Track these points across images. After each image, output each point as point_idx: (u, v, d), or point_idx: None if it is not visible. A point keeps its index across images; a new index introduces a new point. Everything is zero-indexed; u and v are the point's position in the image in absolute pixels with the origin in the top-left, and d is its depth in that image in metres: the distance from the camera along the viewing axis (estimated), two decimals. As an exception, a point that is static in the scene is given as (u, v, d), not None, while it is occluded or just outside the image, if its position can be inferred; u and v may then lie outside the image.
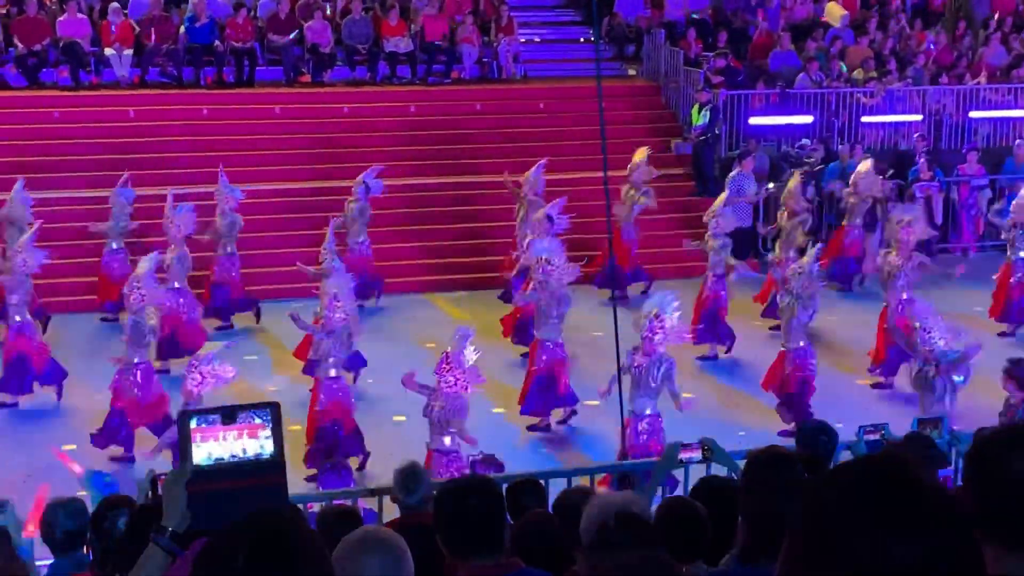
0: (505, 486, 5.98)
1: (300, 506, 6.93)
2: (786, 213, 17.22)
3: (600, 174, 11.17)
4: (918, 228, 14.84)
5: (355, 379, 13.85)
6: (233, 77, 21.11)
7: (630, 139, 20.76)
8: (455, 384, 10.68)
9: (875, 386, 14.58)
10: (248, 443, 2.99)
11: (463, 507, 4.19)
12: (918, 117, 22.13)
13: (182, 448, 2.96)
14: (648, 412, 11.36)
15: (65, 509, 6.03)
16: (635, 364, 11.38)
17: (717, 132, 20.86)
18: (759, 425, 12.97)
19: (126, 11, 21.19)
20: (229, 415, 2.99)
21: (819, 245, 14.83)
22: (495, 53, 22.44)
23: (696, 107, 20.93)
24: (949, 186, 21.00)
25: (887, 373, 14.46)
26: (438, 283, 18.26)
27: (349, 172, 18.58)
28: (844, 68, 22.51)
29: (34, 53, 20.35)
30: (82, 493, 7.95)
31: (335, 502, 7.54)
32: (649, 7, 24.12)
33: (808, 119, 21.42)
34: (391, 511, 7.08)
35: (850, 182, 18.73)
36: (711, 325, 15.40)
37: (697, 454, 6.49)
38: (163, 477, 3.08)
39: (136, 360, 12.46)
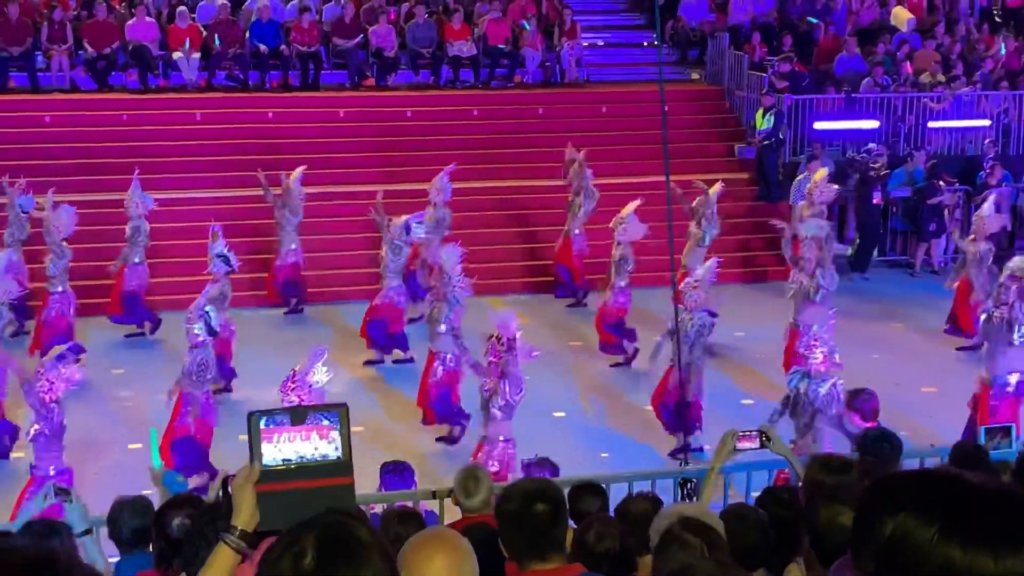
0: (567, 489, 5.97)
1: (363, 507, 6.97)
2: (699, 221, 16.48)
3: (662, 178, 11.14)
4: (829, 246, 13.94)
5: (223, 390, 13.57)
6: (298, 81, 21.30)
7: (693, 143, 20.74)
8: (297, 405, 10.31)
9: None
10: (316, 444, 3.01)
11: (526, 510, 4.21)
12: (986, 122, 21.85)
13: (252, 448, 3.00)
14: (501, 438, 11.04)
15: (131, 507, 6.08)
16: (484, 388, 11.14)
17: (781, 137, 20.72)
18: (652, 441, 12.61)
19: (194, 15, 21.47)
20: (298, 416, 3.02)
21: (715, 259, 13.90)
22: (558, 57, 22.46)
23: (760, 111, 20.81)
24: (1017, 192, 20.75)
25: None
26: (500, 286, 18.24)
27: (412, 175, 18.67)
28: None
29: (103, 56, 20.65)
30: (147, 492, 8.03)
31: (396, 504, 7.57)
32: (713, 11, 24.03)
33: (874, 124, 21.22)
34: (452, 513, 7.10)
35: (805, 192, 17.71)
36: (619, 336, 14.94)
37: (755, 443, 6.35)
38: (233, 477, 3.10)
39: None
